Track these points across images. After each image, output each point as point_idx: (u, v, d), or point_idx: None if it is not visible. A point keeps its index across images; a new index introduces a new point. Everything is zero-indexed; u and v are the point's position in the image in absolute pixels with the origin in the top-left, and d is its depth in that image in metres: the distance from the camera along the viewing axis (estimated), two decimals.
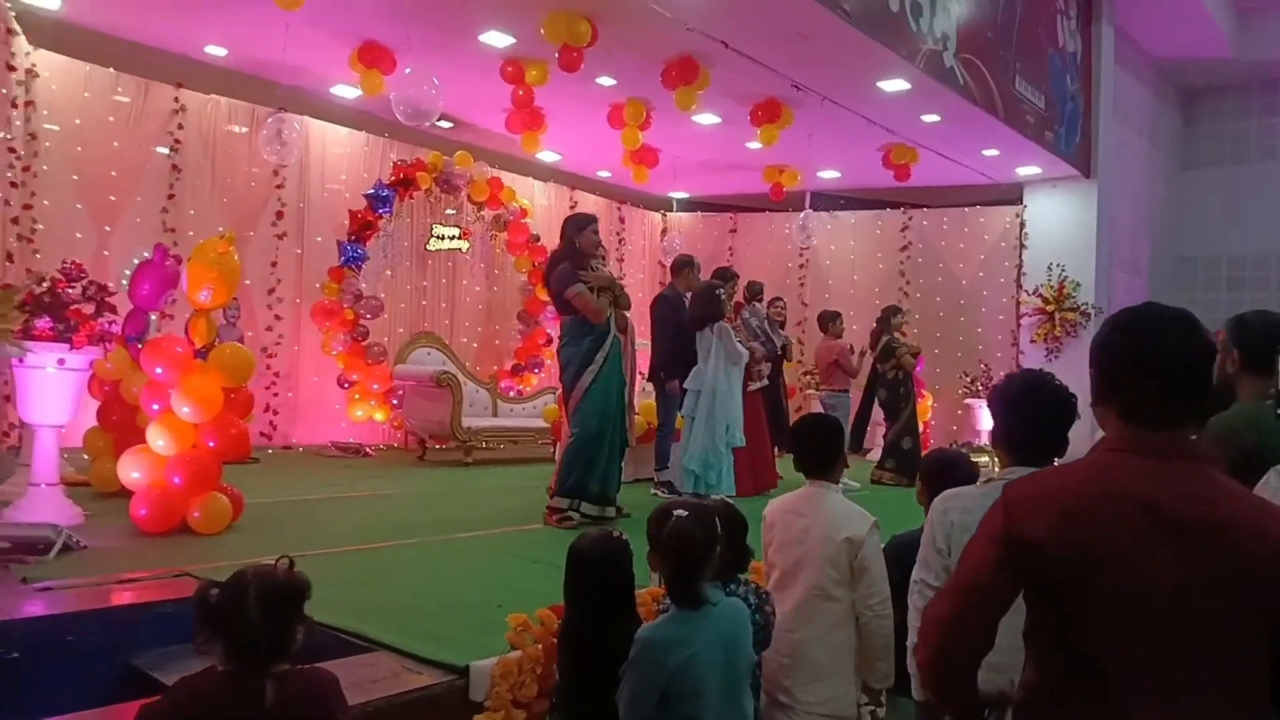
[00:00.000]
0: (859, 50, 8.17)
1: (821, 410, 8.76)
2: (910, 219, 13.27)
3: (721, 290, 6.92)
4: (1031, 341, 12.34)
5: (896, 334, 8.54)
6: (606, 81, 9.33)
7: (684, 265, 7.55)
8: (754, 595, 3.17)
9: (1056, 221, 12.36)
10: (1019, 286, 12.56)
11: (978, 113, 9.87)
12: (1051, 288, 12.13)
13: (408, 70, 7.47)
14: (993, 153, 11.33)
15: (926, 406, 11.31)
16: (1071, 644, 1.59)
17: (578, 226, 5.74)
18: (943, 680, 1.74)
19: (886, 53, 8.26)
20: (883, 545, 3.23)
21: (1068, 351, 11.68)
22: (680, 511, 2.59)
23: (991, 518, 1.69)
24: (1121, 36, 12.91)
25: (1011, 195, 12.78)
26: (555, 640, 2.80)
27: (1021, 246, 12.63)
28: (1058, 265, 12.16)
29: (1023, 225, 12.66)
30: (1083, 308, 11.98)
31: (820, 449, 3.28)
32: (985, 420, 11.87)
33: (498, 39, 8.39)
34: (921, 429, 9.14)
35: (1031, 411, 2.59)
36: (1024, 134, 10.66)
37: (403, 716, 2.67)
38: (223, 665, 2.13)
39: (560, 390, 6.02)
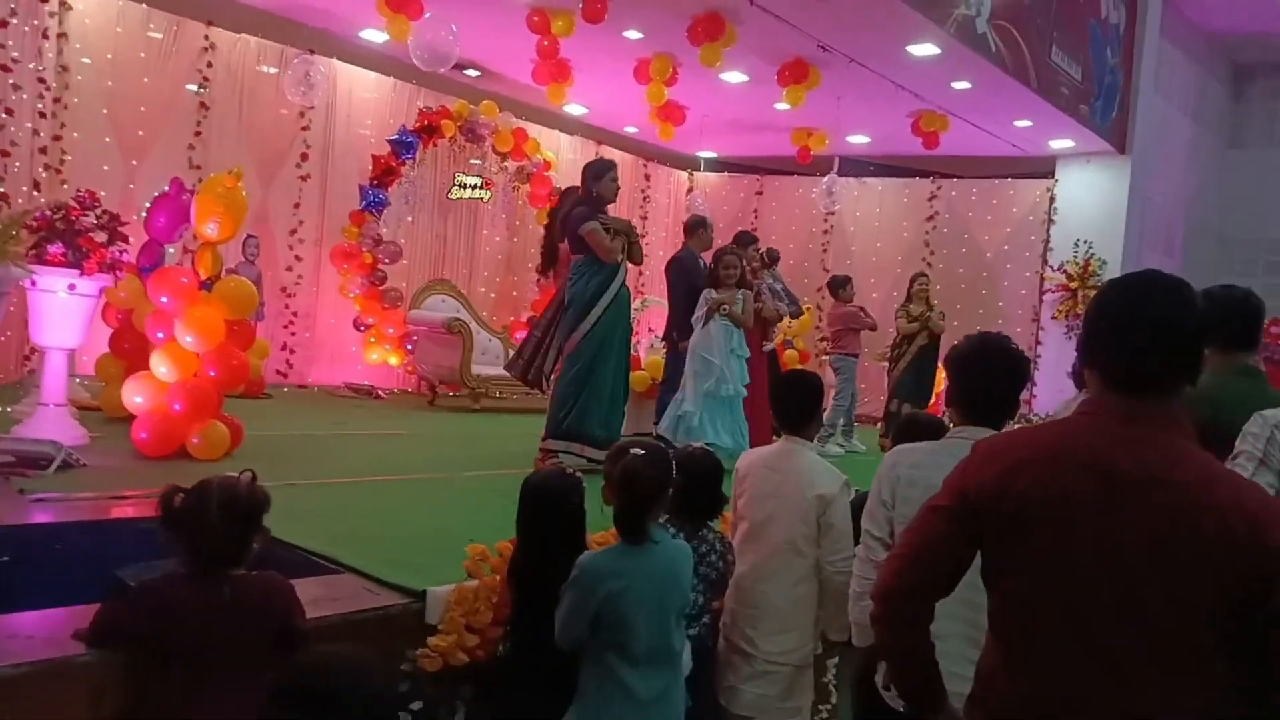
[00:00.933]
0: (887, 11, 8.05)
1: (833, 374, 8.82)
2: (939, 188, 13.11)
3: (737, 254, 6.89)
4: (1053, 318, 12.21)
5: (916, 303, 8.55)
6: (634, 35, 9.27)
7: (697, 225, 7.55)
8: (719, 543, 3.27)
9: (1087, 197, 12.16)
10: (1044, 262, 12.39)
11: (1010, 82, 9.69)
12: (1077, 265, 11.97)
13: (428, 16, 7.48)
14: (1025, 124, 11.13)
15: (940, 377, 11.27)
16: (1006, 597, 1.63)
17: (596, 174, 5.74)
18: (888, 623, 1.77)
19: (915, 15, 8.13)
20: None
21: None
22: (636, 450, 2.68)
23: (955, 469, 1.75)
24: (1170, 9, 12.56)
25: (1043, 169, 12.56)
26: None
27: (1050, 221, 12.44)
28: (1085, 242, 11.98)
29: (1052, 200, 12.46)
30: None
31: (796, 404, 3.34)
32: None
33: None
34: (933, 398, 9.13)
35: (981, 372, 2.64)
36: (1058, 106, 10.46)
37: (358, 633, 2.80)
38: (183, 569, 2.27)
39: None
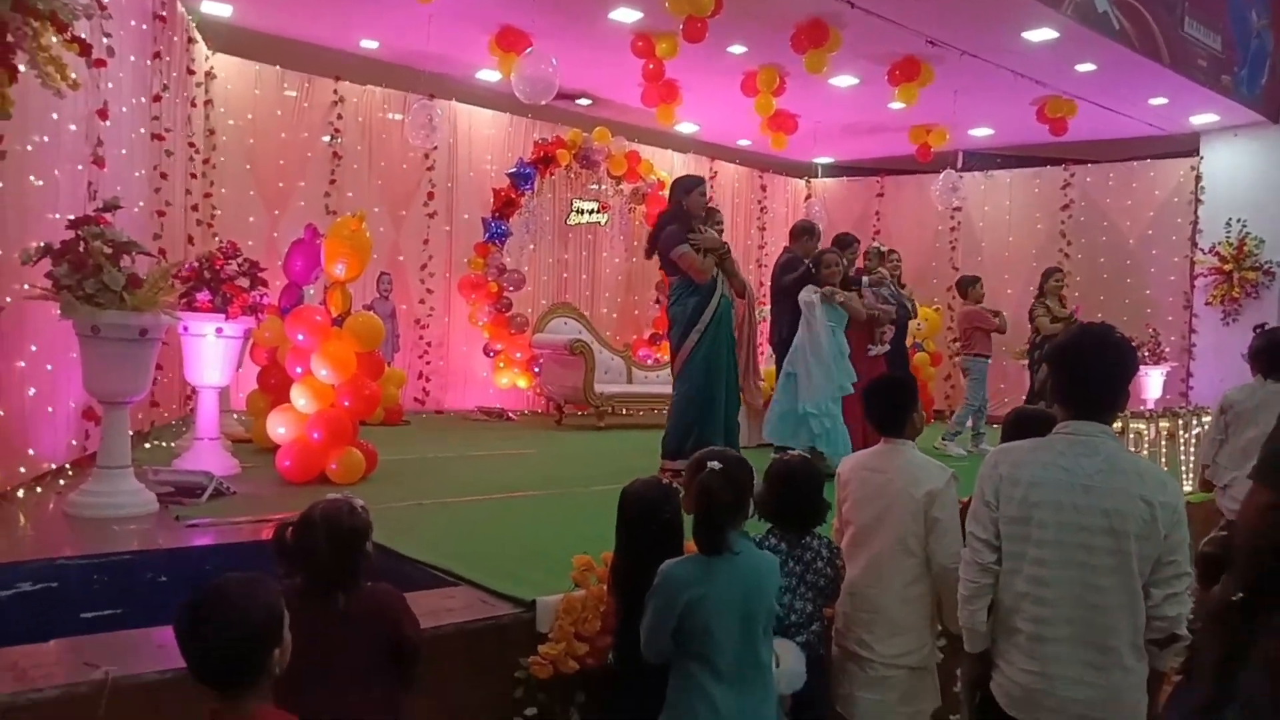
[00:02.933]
0: (996, 0, 7.82)
1: (964, 376, 8.53)
2: (1072, 176, 12.53)
3: (814, 265, 6.76)
4: (1207, 304, 11.43)
5: (1050, 299, 8.17)
6: (737, 50, 9.34)
7: (802, 233, 7.47)
8: (826, 549, 3.24)
9: (1238, 173, 11.35)
10: (1194, 245, 11.62)
11: (1139, 59, 9.21)
12: (1230, 245, 11.17)
13: (528, 51, 7.76)
14: (1160, 101, 10.52)
15: None
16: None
17: (685, 189, 5.81)
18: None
19: (1028, 1, 7.86)
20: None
21: (1248, 313, 10.73)
22: (714, 464, 2.67)
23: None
24: None
25: (1186, 147, 11.81)
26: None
27: (1197, 201, 11.67)
28: (1238, 220, 11.18)
29: (1199, 178, 11.68)
30: (1266, 266, 10.98)
31: (885, 406, 3.30)
32: (1153, 388, 11.14)
33: (626, 15, 8.57)
34: None
35: (1080, 365, 2.53)
36: (1195, 80, 9.84)
37: (471, 642, 2.94)
38: (303, 589, 2.44)
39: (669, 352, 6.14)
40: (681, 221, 5.69)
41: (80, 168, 5.21)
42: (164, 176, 6.99)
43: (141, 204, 6.52)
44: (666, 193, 11.31)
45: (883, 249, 8.32)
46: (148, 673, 2.39)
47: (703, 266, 5.56)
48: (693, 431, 5.59)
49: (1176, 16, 9.55)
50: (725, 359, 5.73)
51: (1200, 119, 11.15)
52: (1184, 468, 6.15)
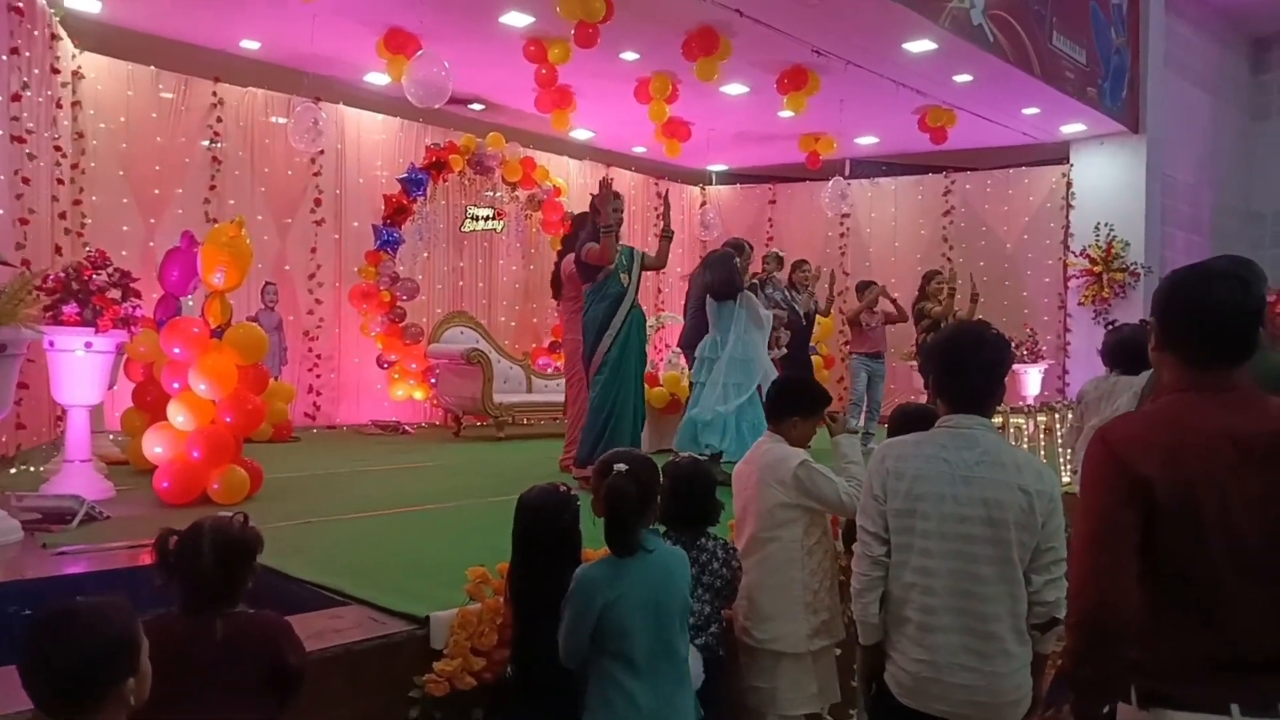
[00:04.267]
0: (878, 11, 8.07)
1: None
2: (953, 183, 13.04)
3: (738, 260, 6.91)
4: (1079, 304, 12.04)
5: (932, 300, 8.41)
6: (630, 56, 9.38)
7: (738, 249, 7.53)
8: (721, 550, 3.28)
9: (1105, 180, 12.00)
10: (1066, 248, 12.24)
11: (1012, 71, 9.64)
12: (1099, 248, 11.81)
13: (419, 54, 7.63)
14: (1033, 111, 11.05)
15: None
16: (1175, 572, 1.77)
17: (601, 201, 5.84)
18: (1106, 632, 1.79)
19: (907, 13, 8.13)
20: None
21: (1117, 312, 11.34)
22: (620, 466, 2.69)
23: (1097, 468, 1.85)
24: None
25: (1058, 154, 12.44)
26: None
27: (1069, 207, 12.30)
28: (1106, 225, 11.82)
29: (1069, 185, 12.32)
30: (1132, 268, 11.64)
31: (770, 400, 3.46)
32: (1031, 385, 11.66)
33: (517, 19, 8.51)
34: None
35: (957, 361, 2.61)
36: (1064, 91, 10.37)
37: (362, 663, 2.83)
38: (179, 608, 2.31)
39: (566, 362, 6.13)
40: (588, 230, 5.71)
41: None
42: (26, 182, 6.58)
43: (1, 211, 6.12)
44: (565, 199, 11.38)
45: (780, 254, 8.46)
46: (12, 713, 2.21)
47: (604, 248, 5.57)
48: (603, 438, 5.59)
49: (1045, 30, 10.05)
50: (634, 365, 5.75)
51: (1069, 128, 11.75)
52: (1061, 460, 6.44)
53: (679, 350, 7.78)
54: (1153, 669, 1.78)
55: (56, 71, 7.81)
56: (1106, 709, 1.88)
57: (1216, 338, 1.83)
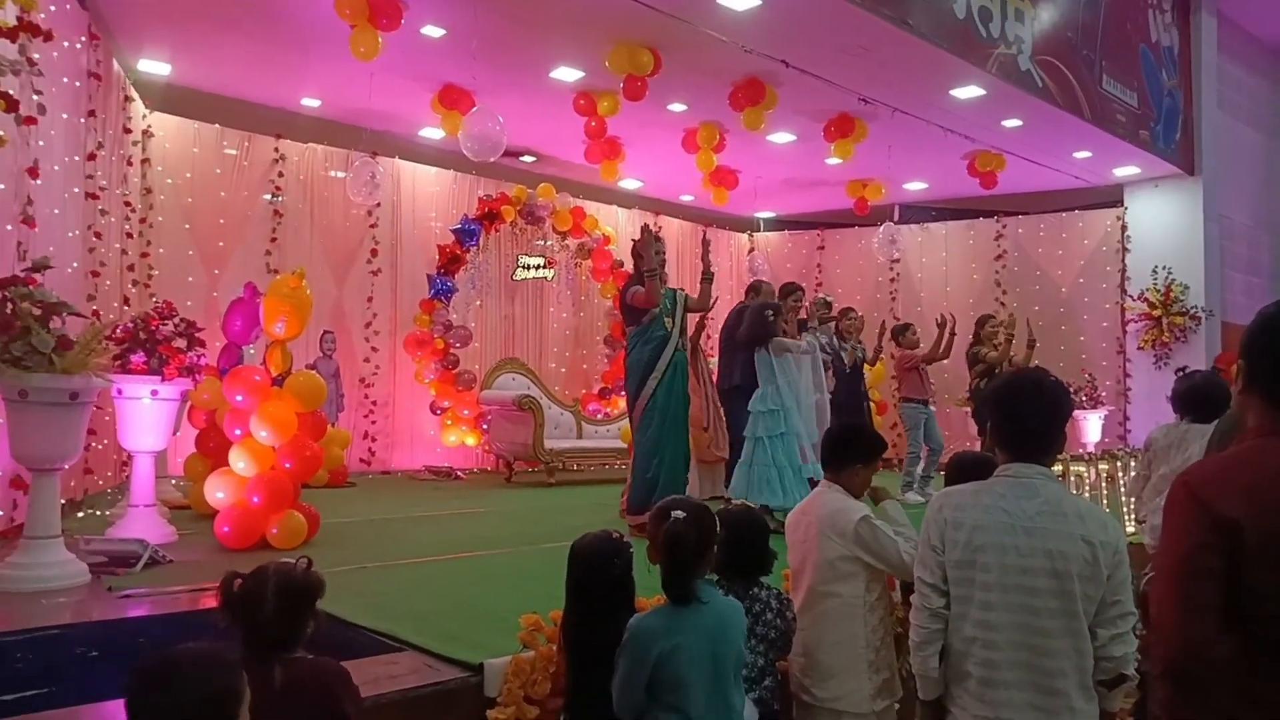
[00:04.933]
0: (924, 59, 8.11)
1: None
2: (1004, 227, 12.93)
3: (772, 310, 6.87)
4: (1139, 348, 11.80)
5: (986, 344, 8.28)
6: (678, 107, 9.52)
7: (758, 290, 7.58)
8: (775, 600, 3.24)
9: (1160, 222, 11.82)
10: (1123, 292, 12.03)
11: (1062, 115, 9.61)
12: (1158, 291, 11.59)
13: (475, 110, 7.84)
14: (1085, 155, 10.96)
15: None
16: (1267, 616, 1.70)
17: (645, 247, 5.95)
18: (1195, 676, 1.75)
19: (953, 60, 8.17)
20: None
21: (1178, 356, 11.06)
22: (678, 513, 2.68)
23: (1178, 511, 1.79)
24: (1226, 24, 12.29)
25: (1111, 198, 12.29)
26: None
27: (1124, 250, 12.11)
28: (1164, 268, 11.61)
29: (1124, 228, 12.14)
30: (1192, 311, 11.39)
31: (829, 446, 3.39)
32: (1092, 432, 11.40)
33: (567, 74, 8.71)
34: None
35: (1016, 409, 2.57)
36: (1115, 134, 10.29)
37: (417, 710, 2.85)
38: (240, 651, 2.35)
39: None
40: (636, 277, 5.78)
41: (9, 227, 5.08)
42: (98, 236, 6.85)
43: (75, 264, 6.37)
44: (613, 248, 11.53)
45: (829, 300, 8.44)
46: None
47: (650, 288, 5.64)
48: (657, 483, 5.60)
49: (1095, 74, 10.00)
50: (680, 409, 5.77)
51: (1123, 171, 11.62)
52: (1124, 509, 6.28)
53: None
54: None
55: (128, 131, 8.17)
56: None
57: None
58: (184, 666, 1.68)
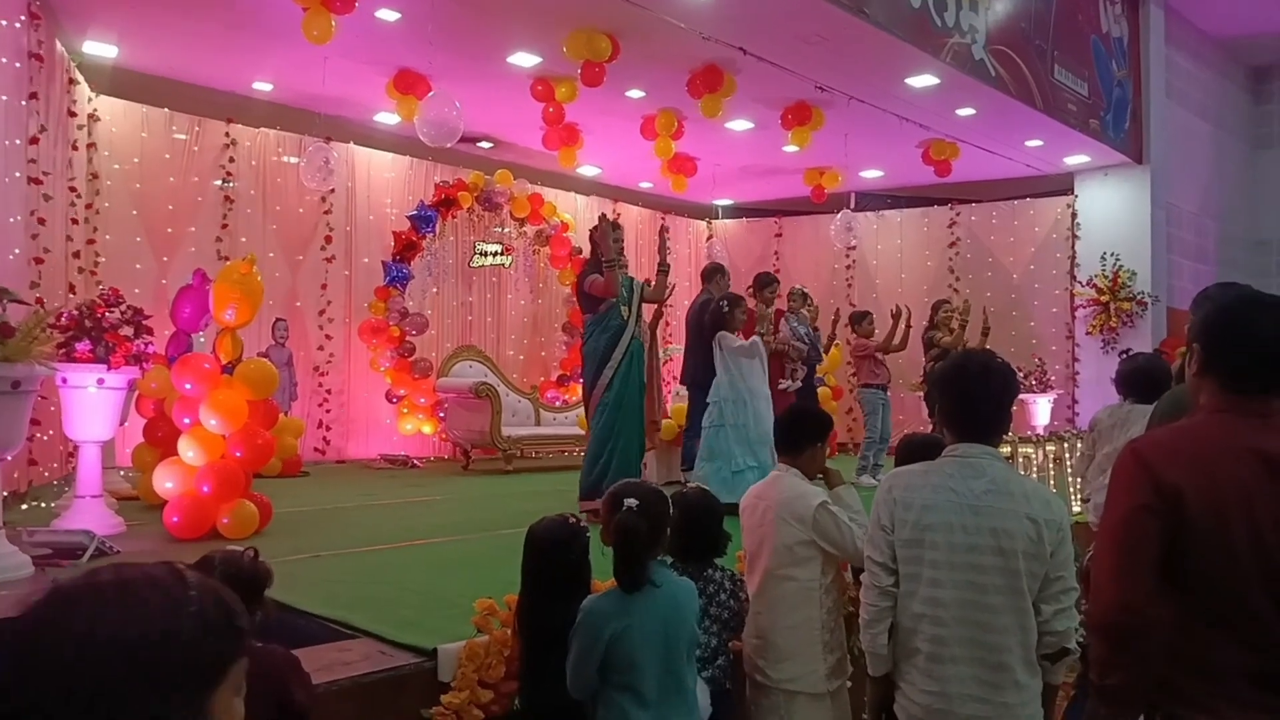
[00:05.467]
0: (880, 48, 8.18)
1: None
2: (958, 215, 13.10)
3: (728, 304, 6.88)
4: (1087, 333, 12.04)
5: (941, 329, 8.40)
6: (636, 94, 9.50)
7: (715, 272, 7.61)
8: (729, 581, 3.28)
9: (1110, 210, 12.06)
10: (1072, 278, 12.27)
11: (1014, 104, 9.74)
12: (1106, 278, 11.83)
13: (431, 94, 7.75)
14: (1036, 143, 11.13)
15: None
16: (1205, 586, 1.77)
17: (600, 234, 5.94)
18: (1127, 633, 1.80)
19: (909, 49, 8.24)
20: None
21: (1125, 341, 11.31)
22: (631, 502, 2.69)
23: (1124, 474, 1.87)
24: (1174, 17, 12.54)
25: (1062, 186, 12.51)
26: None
27: (1074, 237, 12.35)
28: (1112, 255, 11.85)
29: (1074, 216, 12.37)
30: (1139, 297, 11.65)
31: (783, 429, 3.43)
32: (1041, 415, 11.61)
33: (525, 59, 8.64)
34: None
35: (963, 390, 2.61)
36: (1067, 123, 10.46)
37: (370, 695, 2.83)
38: None
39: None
40: (593, 264, 5.78)
41: None
42: (42, 222, 6.68)
43: (17, 251, 6.21)
44: (572, 235, 11.49)
45: (805, 291, 8.50)
46: None
47: (608, 281, 5.64)
48: (609, 469, 5.60)
49: (1047, 64, 10.15)
50: (635, 396, 5.78)
51: (1073, 160, 11.83)
52: (1071, 489, 6.41)
53: (681, 382, 7.81)
54: (1182, 689, 1.78)
55: (73, 115, 7.96)
56: None
57: (1266, 364, 1.84)
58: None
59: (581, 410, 10.32)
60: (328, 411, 9.93)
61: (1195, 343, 1.95)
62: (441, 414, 9.95)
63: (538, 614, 2.78)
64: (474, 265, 11.20)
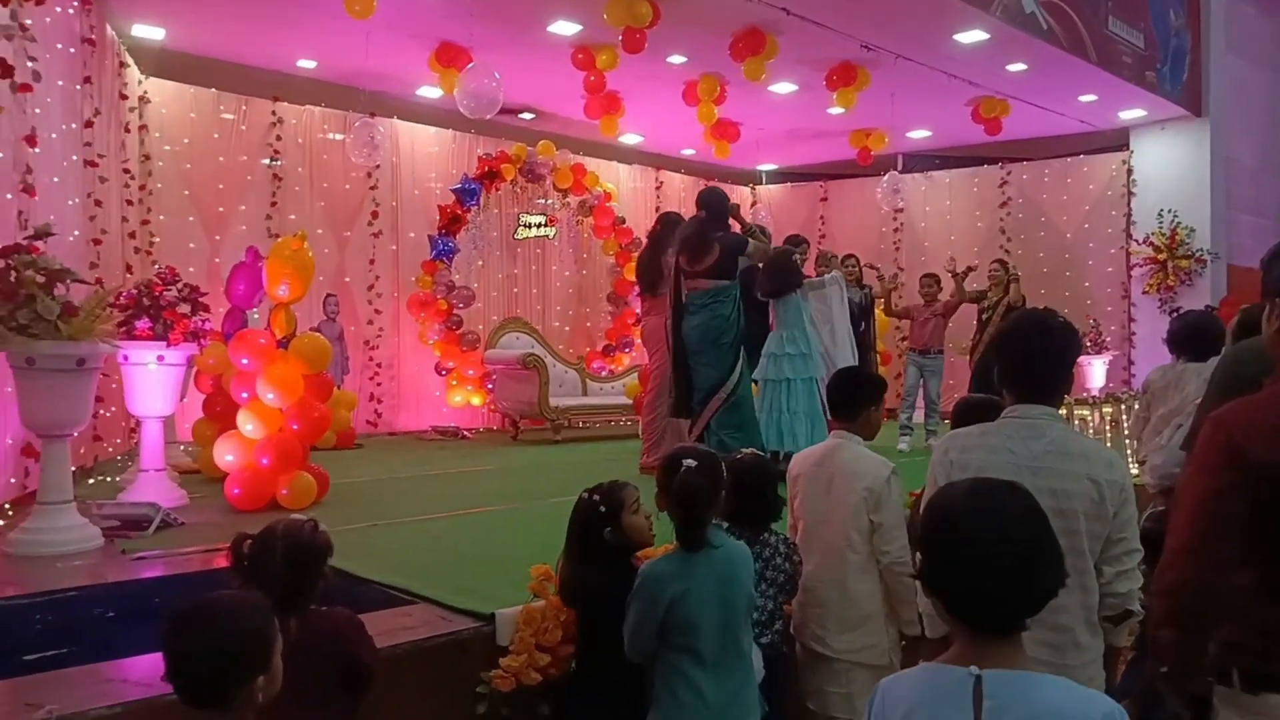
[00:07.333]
0: (928, 3, 8.01)
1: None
2: (1009, 174, 12.81)
3: (797, 254, 6.93)
4: (1144, 293, 11.74)
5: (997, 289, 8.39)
6: (677, 59, 9.40)
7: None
8: (783, 545, 3.27)
9: (1166, 166, 11.70)
10: (1128, 236, 11.94)
11: (1067, 58, 9.46)
12: (1163, 235, 11.50)
13: (470, 67, 7.74)
14: (1090, 98, 10.81)
15: None
16: None
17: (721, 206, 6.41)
18: (1194, 609, 1.79)
19: (958, 3, 8.04)
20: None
21: (1184, 300, 11.02)
22: (690, 461, 2.69)
23: (1210, 450, 1.80)
24: None
25: (1117, 141, 12.14)
26: None
27: (1130, 194, 12.00)
28: (1170, 211, 11.51)
29: (1130, 172, 12.01)
30: (1198, 254, 11.32)
31: (838, 392, 3.39)
32: (1096, 377, 11.39)
33: (565, 28, 8.58)
34: None
35: (1024, 349, 2.55)
36: (1121, 76, 10.14)
37: (430, 660, 2.90)
38: None
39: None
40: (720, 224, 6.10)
41: (9, 196, 5.07)
42: (99, 204, 6.83)
43: (77, 233, 6.36)
44: (615, 204, 11.45)
45: (831, 255, 8.47)
46: (95, 708, 2.31)
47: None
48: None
49: (1101, 16, 9.83)
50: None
51: (1128, 114, 11.48)
52: (1128, 451, 6.29)
53: None
54: (1260, 651, 1.74)
55: (124, 97, 8.10)
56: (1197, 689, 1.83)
57: None
58: (216, 609, 1.74)
59: (628, 379, 10.39)
60: (379, 385, 10.08)
61: (1278, 296, 1.86)
62: (490, 385, 10.04)
63: (578, 580, 2.79)
64: (518, 237, 11.24)
